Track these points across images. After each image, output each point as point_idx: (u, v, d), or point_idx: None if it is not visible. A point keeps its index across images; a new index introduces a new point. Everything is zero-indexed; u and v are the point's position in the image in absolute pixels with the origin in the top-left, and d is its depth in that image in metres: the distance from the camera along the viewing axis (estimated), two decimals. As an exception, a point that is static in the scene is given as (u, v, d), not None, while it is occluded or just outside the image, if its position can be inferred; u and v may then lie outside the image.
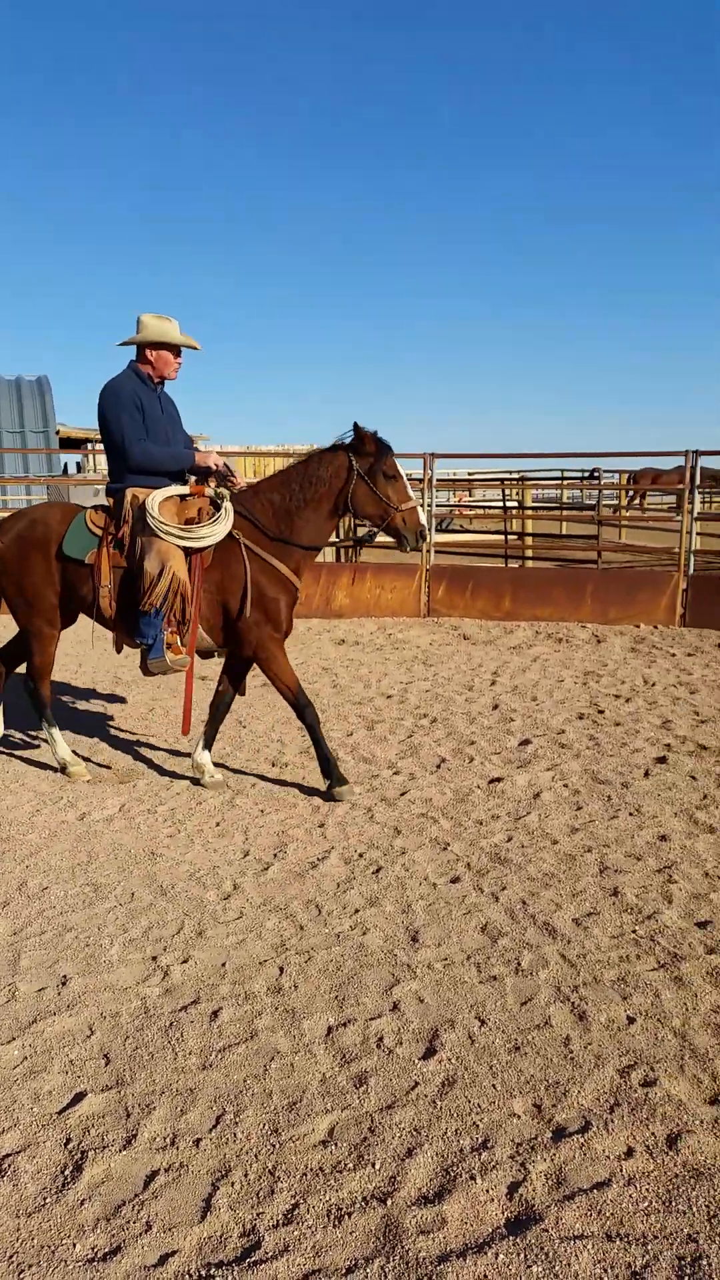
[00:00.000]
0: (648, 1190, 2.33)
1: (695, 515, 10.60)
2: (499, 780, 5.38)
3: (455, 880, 4.11)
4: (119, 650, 5.43)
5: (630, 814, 4.83)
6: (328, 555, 15.13)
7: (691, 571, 10.39)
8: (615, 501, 21.01)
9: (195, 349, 5.32)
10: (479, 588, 10.99)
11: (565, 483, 21.25)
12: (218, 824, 4.79)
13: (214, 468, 5.27)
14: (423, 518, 5.23)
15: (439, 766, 5.67)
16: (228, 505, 5.11)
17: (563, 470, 22.28)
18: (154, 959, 3.49)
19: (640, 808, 4.91)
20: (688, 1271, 2.09)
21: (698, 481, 10.58)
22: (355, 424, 5.07)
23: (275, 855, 4.40)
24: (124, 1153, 2.51)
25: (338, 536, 15.80)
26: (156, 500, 5.02)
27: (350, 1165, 2.45)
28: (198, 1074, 2.83)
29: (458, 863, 4.29)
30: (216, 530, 5.05)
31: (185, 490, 5.17)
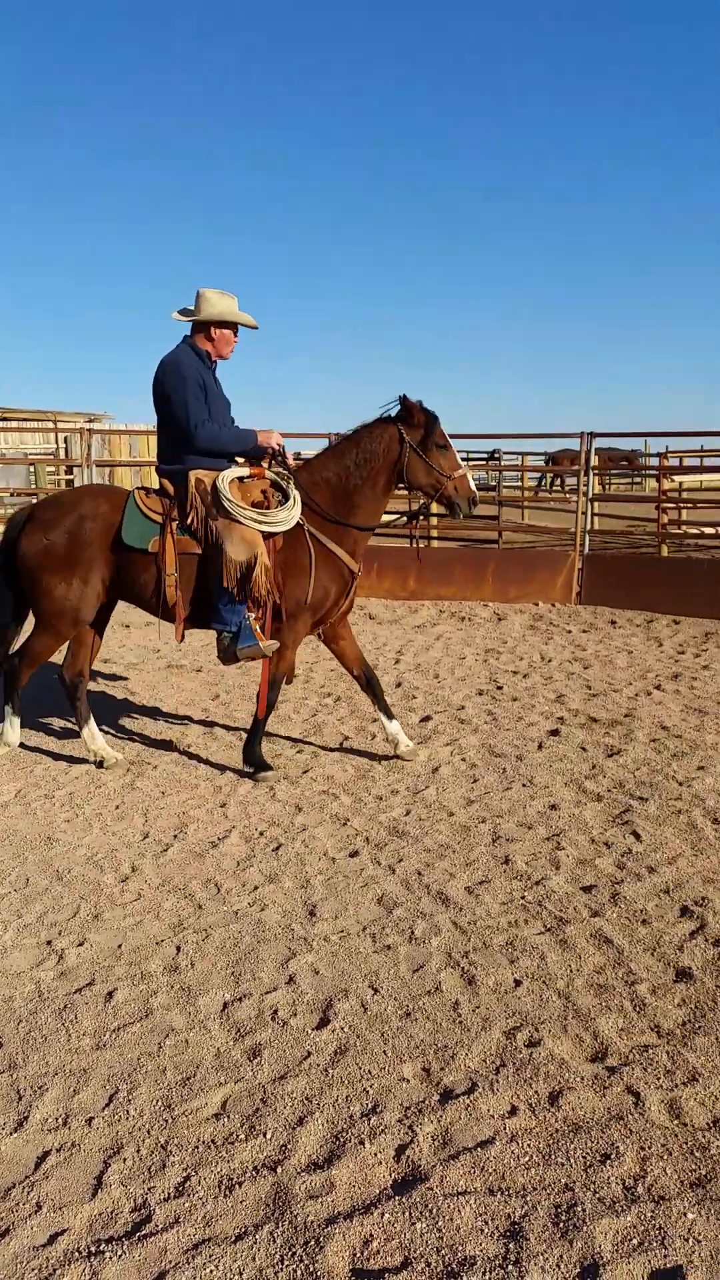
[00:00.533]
0: (529, 1146, 2.42)
1: (590, 496, 10.85)
2: (398, 756, 5.45)
3: (354, 854, 4.17)
4: (180, 640, 5.21)
5: (523, 785, 4.95)
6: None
7: (587, 551, 10.63)
8: (519, 483, 21.32)
9: (254, 329, 5.15)
10: (384, 568, 11.05)
11: (470, 464, 21.47)
12: (117, 807, 4.76)
13: (275, 448, 5.13)
14: (472, 484, 5.21)
15: (342, 744, 5.72)
16: (294, 490, 5.01)
17: (468, 452, 22.53)
18: (49, 943, 3.47)
19: (533, 779, 5.04)
20: (563, 1219, 2.19)
21: (592, 463, 10.82)
22: (403, 396, 5.00)
23: (175, 836, 4.40)
24: (15, 1135, 2.50)
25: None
26: (226, 482, 4.88)
27: (242, 1136, 2.49)
28: (91, 1054, 2.83)
29: (357, 837, 4.35)
30: (293, 515, 4.95)
31: (246, 472, 5.02)
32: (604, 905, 3.64)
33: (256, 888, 3.87)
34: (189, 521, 4.90)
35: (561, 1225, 2.17)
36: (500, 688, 6.99)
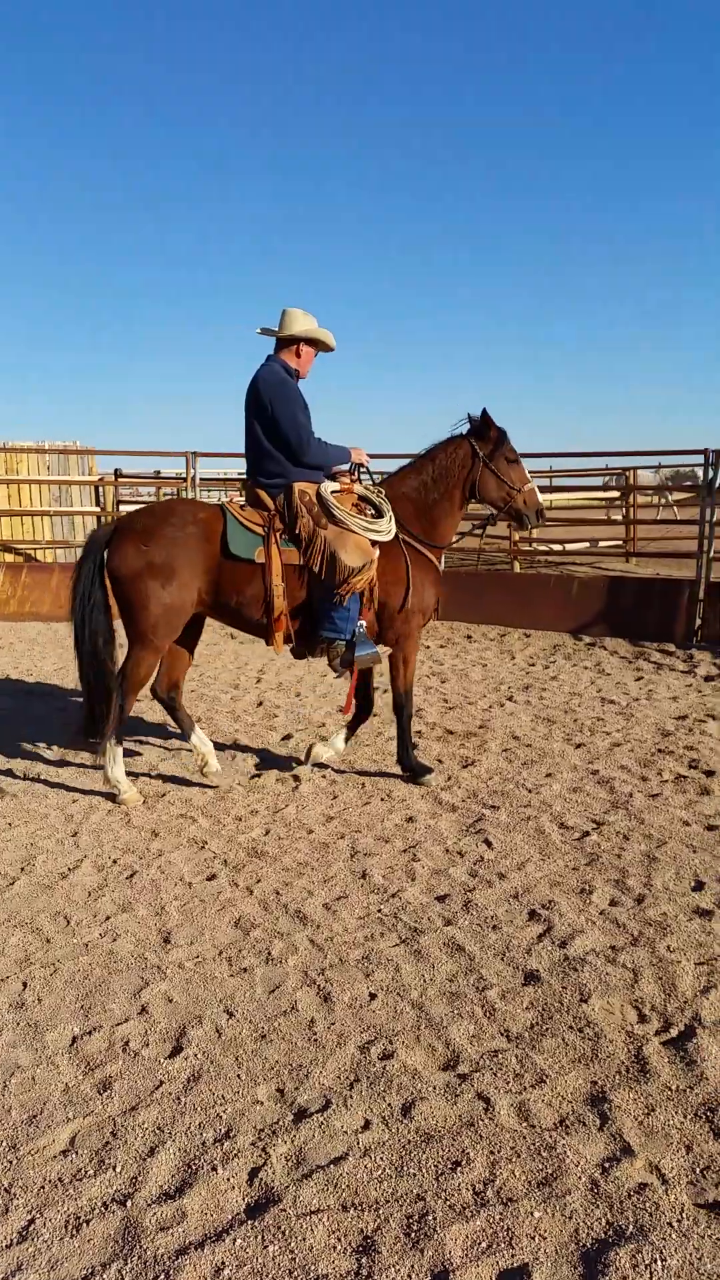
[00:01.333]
0: (382, 1159, 2.44)
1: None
2: (259, 775, 5.43)
3: (211, 878, 4.12)
4: (279, 651, 5.18)
5: (382, 799, 5.00)
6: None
7: (442, 568, 10.84)
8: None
9: (331, 350, 5.26)
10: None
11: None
12: (-38, 840, 4.58)
13: (364, 465, 5.35)
14: (540, 497, 5.41)
15: (202, 767, 5.65)
16: (385, 502, 5.17)
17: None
18: None
19: (391, 793, 5.10)
20: (415, 1228, 2.21)
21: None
22: (484, 410, 5.19)
23: (22, 869, 4.25)
24: None
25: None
26: (330, 494, 5.00)
27: (91, 1171, 2.42)
28: (-69, 1100, 2.71)
29: (215, 860, 4.30)
30: (392, 525, 5.10)
31: (337, 485, 5.11)
32: (457, 913, 3.71)
33: (109, 917, 3.78)
34: (296, 531, 4.94)
35: (413, 1235, 2.19)
36: (359, 704, 7.05)
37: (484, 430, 5.22)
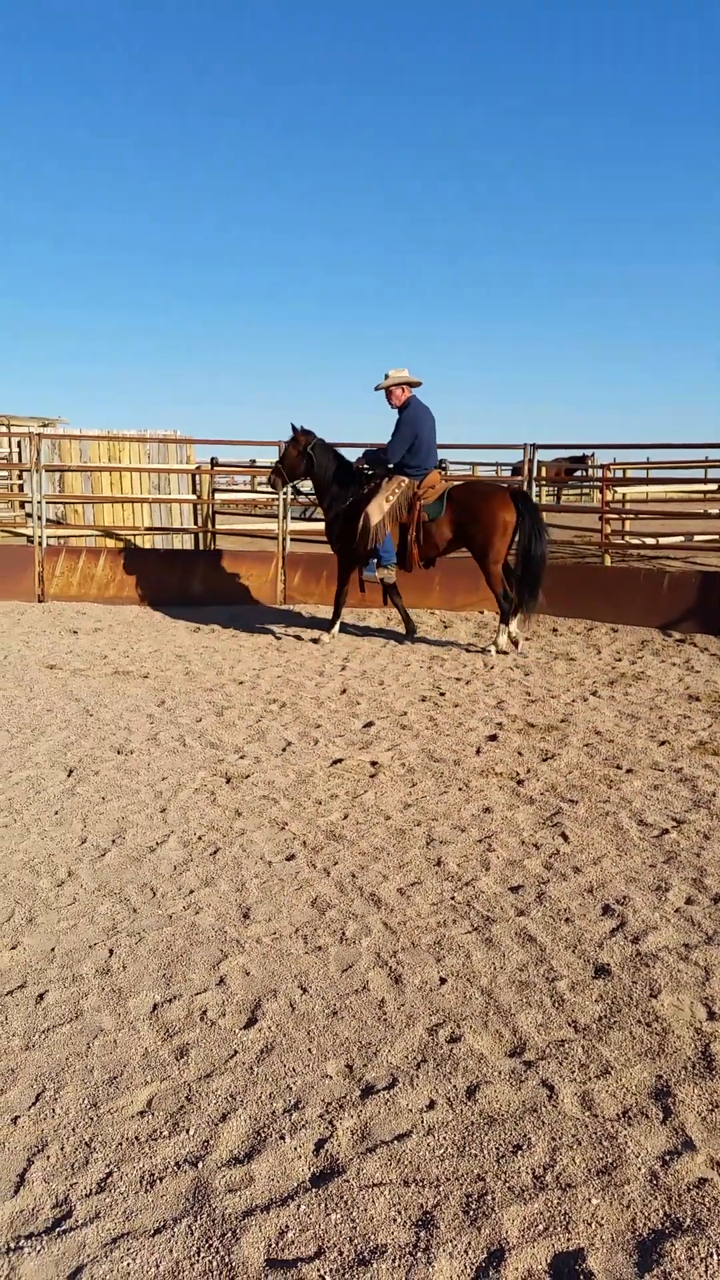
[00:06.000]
0: (444, 1138, 2.50)
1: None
2: (340, 761, 5.53)
3: (290, 858, 4.23)
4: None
5: (460, 789, 5.05)
6: (186, 542, 15.06)
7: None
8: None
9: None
10: (334, 576, 11.12)
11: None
12: (56, 813, 4.78)
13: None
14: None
15: (284, 750, 5.78)
16: None
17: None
18: (-18, 947, 3.49)
19: (469, 783, 5.14)
20: (474, 1206, 2.26)
21: (535, 474, 10.99)
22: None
23: (114, 841, 4.43)
24: (-60, 1136, 2.53)
25: (196, 523, 15.72)
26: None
27: (165, 1132, 2.54)
28: (19, 1055, 2.86)
29: (294, 841, 4.41)
30: None
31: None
32: (530, 904, 3.74)
33: (192, 891, 3.91)
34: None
35: (471, 1213, 2.25)
36: (443, 694, 7.10)
37: None
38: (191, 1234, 2.20)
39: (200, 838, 4.46)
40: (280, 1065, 2.80)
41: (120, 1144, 2.50)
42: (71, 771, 5.38)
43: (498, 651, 8.61)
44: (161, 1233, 2.21)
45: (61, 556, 11.89)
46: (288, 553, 11.57)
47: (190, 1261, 2.13)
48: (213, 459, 16.39)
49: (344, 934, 3.54)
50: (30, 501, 12.33)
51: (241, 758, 5.64)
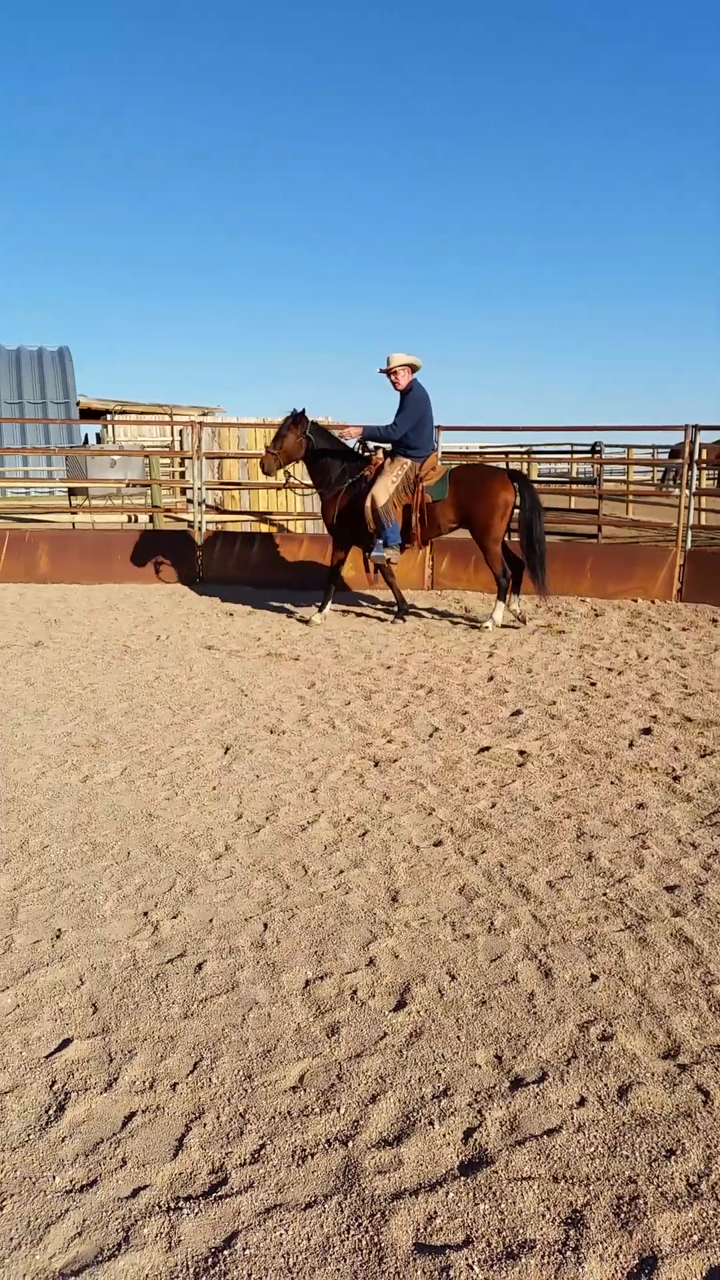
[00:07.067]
0: (595, 1137, 2.47)
1: (695, 491, 10.64)
2: (488, 749, 5.50)
3: (438, 844, 4.24)
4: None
5: (612, 782, 4.95)
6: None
7: (689, 547, 10.44)
8: (624, 476, 20.95)
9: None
10: (482, 562, 11.03)
11: (575, 457, 21.21)
12: (214, 788, 4.93)
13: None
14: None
15: (431, 735, 5.79)
16: None
17: (572, 445, 22.23)
18: (145, 914, 3.64)
19: (621, 776, 5.03)
20: (625, 1210, 2.23)
21: (697, 456, 10.61)
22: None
23: (267, 818, 4.54)
24: (105, 1095, 2.66)
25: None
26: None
27: (317, 1109, 2.59)
28: (179, 1022, 2.97)
29: (441, 827, 4.42)
30: None
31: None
32: (686, 905, 3.64)
33: (342, 871, 3.97)
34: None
35: (622, 1216, 2.22)
36: (594, 684, 6.96)
37: None
38: (341, 1211, 2.25)
39: (349, 819, 4.52)
40: (429, 1050, 2.82)
41: (273, 1117, 2.57)
42: (228, 749, 5.54)
43: (494, 626, 9.13)
44: (312, 1207, 2.26)
45: (219, 542, 12.21)
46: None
47: (340, 1238, 2.17)
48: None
49: (492, 923, 3.53)
50: (191, 488, 12.69)
51: (389, 742, 5.68)
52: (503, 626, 9.16)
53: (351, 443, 9.26)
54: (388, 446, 9.09)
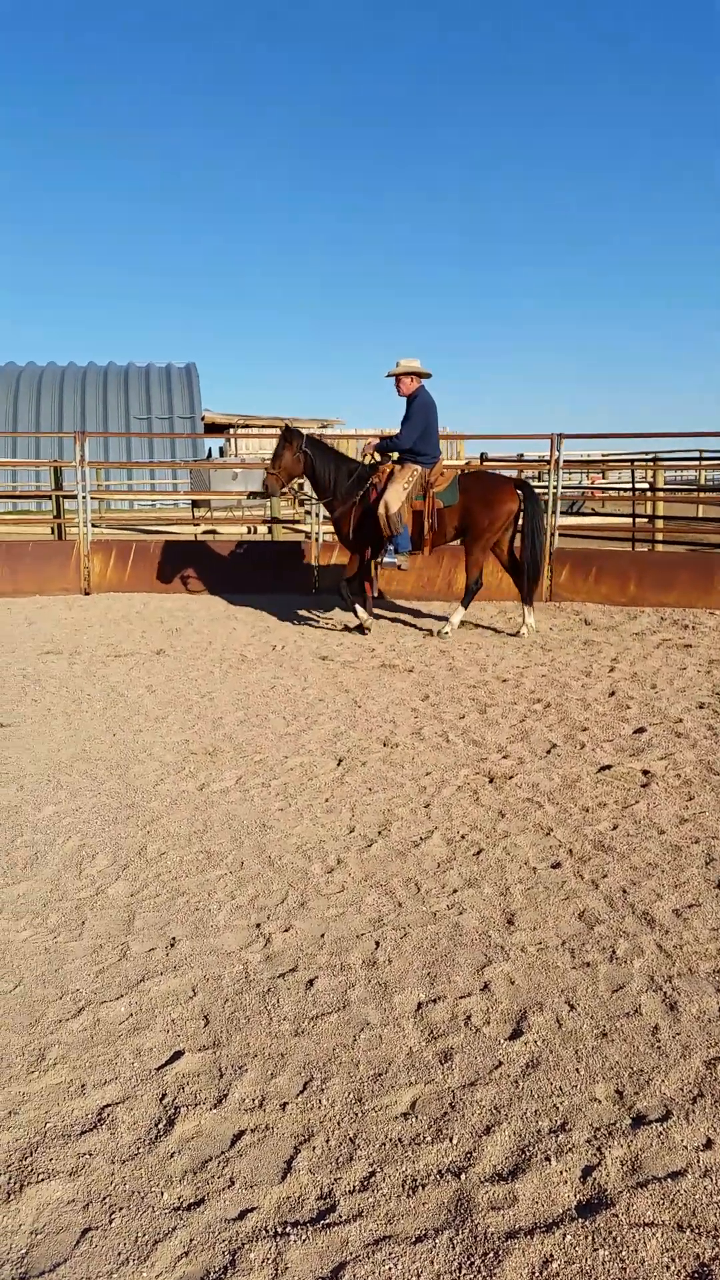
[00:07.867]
0: (725, 1184, 2.32)
1: None
2: (609, 768, 5.33)
3: (556, 866, 4.11)
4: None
5: (742, 806, 4.72)
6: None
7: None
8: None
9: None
10: (603, 572, 10.79)
11: (704, 463, 20.56)
12: (327, 800, 4.90)
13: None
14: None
15: (549, 752, 5.65)
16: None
17: (701, 450, 21.57)
18: (258, 926, 3.62)
19: (753, 800, 4.79)
20: (758, 1268, 2.08)
21: None
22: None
23: (380, 833, 4.48)
24: (214, 1111, 2.63)
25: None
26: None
27: (429, 1138, 2.51)
28: (290, 1040, 2.93)
29: (560, 848, 4.28)
30: None
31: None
32: None
33: (455, 890, 3.88)
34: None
35: (756, 1274, 2.07)
36: (722, 701, 6.68)
37: None
38: (453, 1248, 2.16)
39: (463, 836, 4.43)
40: (546, 1082, 2.71)
41: (384, 1144, 2.50)
42: (340, 761, 5.51)
43: (447, 632, 9.28)
44: (423, 1241, 2.18)
45: (336, 551, 12.26)
46: (555, 548, 11.33)
47: (452, 1276, 2.08)
48: (482, 454, 16.33)
49: (614, 952, 3.38)
50: (309, 499, 12.79)
51: (504, 757, 5.56)
52: (513, 634, 9.38)
53: (365, 455, 9.54)
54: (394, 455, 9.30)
